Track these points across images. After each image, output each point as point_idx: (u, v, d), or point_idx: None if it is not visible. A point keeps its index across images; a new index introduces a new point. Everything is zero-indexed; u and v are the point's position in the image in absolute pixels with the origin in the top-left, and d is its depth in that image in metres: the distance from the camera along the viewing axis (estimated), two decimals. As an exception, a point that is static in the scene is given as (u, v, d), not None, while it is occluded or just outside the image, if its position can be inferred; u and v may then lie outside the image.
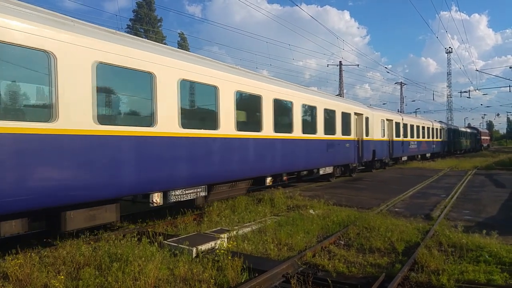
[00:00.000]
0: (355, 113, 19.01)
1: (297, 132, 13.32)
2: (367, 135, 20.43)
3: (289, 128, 12.98)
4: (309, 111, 14.58)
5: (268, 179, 12.34)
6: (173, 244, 6.61)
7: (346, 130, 17.47)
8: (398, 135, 26.25)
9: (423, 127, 33.03)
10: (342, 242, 7.64)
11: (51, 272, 5.38)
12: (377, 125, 22.27)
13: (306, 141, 14.00)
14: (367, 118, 20.54)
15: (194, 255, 6.32)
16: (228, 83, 9.97)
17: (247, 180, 11.33)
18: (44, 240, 7.27)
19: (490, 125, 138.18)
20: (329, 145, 15.78)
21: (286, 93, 12.91)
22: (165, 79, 8.10)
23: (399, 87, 68.89)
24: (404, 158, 28.96)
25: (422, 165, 29.05)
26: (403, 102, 67.84)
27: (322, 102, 15.40)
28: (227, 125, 9.86)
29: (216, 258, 5.99)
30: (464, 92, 57.20)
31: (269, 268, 5.60)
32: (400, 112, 52.40)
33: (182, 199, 8.83)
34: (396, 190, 15.12)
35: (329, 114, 15.99)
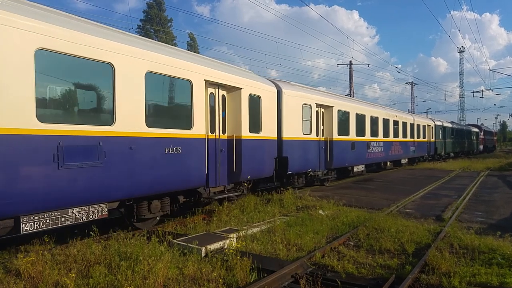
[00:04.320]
0: (214, 84, 9.65)
1: None
2: (256, 129, 11.00)
3: None
4: None
5: None
6: (182, 243, 6.64)
7: (169, 116, 8.59)
8: (344, 131, 16.80)
9: (396, 122, 23.43)
10: (352, 243, 7.59)
11: (63, 270, 5.44)
12: (294, 114, 13.17)
13: None
14: (255, 98, 10.98)
15: (203, 254, 6.34)
16: None
17: None
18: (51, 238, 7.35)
19: (503, 125, 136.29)
20: (73, 153, 6.25)
21: None
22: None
23: (409, 87, 68.46)
24: (360, 168, 19.16)
25: (432, 165, 28.73)
26: (413, 102, 67.28)
27: (37, 33, 5.83)
28: None
29: (225, 257, 6.00)
30: (477, 92, 56.23)
31: (278, 269, 5.59)
32: (411, 112, 51.46)
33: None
34: (407, 190, 14.97)
35: (79, 73, 6.70)
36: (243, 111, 10.43)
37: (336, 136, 15.89)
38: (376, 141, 20.40)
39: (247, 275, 5.40)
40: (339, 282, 5.20)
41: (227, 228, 8.08)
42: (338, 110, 16.17)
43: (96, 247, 6.27)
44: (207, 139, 9.37)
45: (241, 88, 10.40)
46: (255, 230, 8.06)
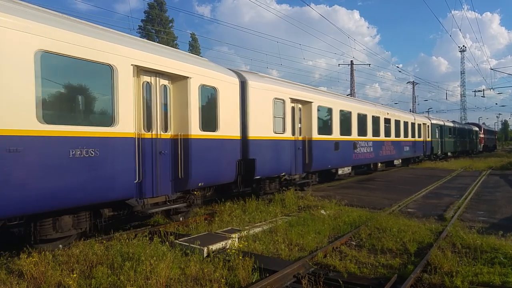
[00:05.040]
0: (150, 72, 8.02)
1: None
2: (210, 127, 9.32)
3: None
4: None
5: None
6: (184, 243, 6.64)
7: (78, 109, 6.89)
8: (326, 130, 15.15)
9: (387, 120, 21.75)
10: (354, 243, 7.59)
11: (65, 270, 5.45)
12: (263, 110, 11.46)
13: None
14: (209, 90, 9.32)
15: (205, 254, 6.34)
16: None
17: None
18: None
19: (505, 124, 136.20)
20: None
21: None
22: None
23: (410, 86, 68.40)
24: (345, 171, 17.39)
25: (434, 165, 28.69)
26: (415, 102, 67.25)
27: None
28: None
29: (227, 258, 6.01)
30: (479, 91, 56.23)
31: (280, 268, 5.59)
32: (413, 112, 51.23)
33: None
34: (408, 190, 14.96)
35: None
36: (192, 105, 8.55)
37: (316, 136, 14.10)
38: (365, 141, 18.59)
39: (249, 275, 5.40)
40: (341, 282, 5.20)
41: (229, 228, 8.08)
42: (318, 106, 14.34)
43: (98, 247, 6.28)
44: (140, 138, 7.62)
45: (189, 77, 8.53)
46: (257, 230, 8.06)
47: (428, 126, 30.12)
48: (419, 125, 28.00)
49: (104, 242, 6.97)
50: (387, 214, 9.92)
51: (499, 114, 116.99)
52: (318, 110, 14.38)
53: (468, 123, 53.73)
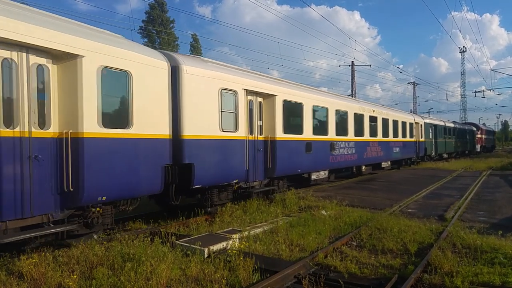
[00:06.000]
0: (11, 45, 5.76)
1: None
2: (119, 123, 7.22)
3: None
4: None
5: None
6: (185, 244, 6.64)
7: None
8: (295, 128, 12.98)
9: (373, 118, 19.58)
10: (354, 243, 7.59)
11: (65, 271, 5.45)
12: (205, 102, 9.27)
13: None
14: (118, 75, 7.19)
15: (206, 255, 6.34)
16: None
17: None
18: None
19: (505, 125, 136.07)
20: None
21: None
22: None
23: (410, 87, 68.51)
24: (321, 175, 14.95)
25: (435, 165, 28.67)
26: (415, 102, 67.28)
27: None
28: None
29: (228, 258, 6.01)
30: (479, 91, 56.52)
31: (281, 269, 5.59)
32: (413, 112, 51.14)
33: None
34: (409, 190, 14.95)
35: None
36: (86, 93, 6.45)
37: (281, 135, 11.92)
38: (345, 141, 16.28)
39: (250, 276, 5.40)
40: (341, 282, 5.20)
41: (229, 228, 8.09)
42: (284, 101, 12.11)
43: (98, 248, 6.27)
44: None
45: (80, 56, 6.41)
46: (257, 230, 8.07)
47: (421, 125, 27.94)
48: (411, 124, 25.83)
49: (105, 243, 6.96)
50: (388, 214, 9.92)
51: (499, 114, 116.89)
52: (284, 105, 12.16)
53: (466, 123, 52.73)
